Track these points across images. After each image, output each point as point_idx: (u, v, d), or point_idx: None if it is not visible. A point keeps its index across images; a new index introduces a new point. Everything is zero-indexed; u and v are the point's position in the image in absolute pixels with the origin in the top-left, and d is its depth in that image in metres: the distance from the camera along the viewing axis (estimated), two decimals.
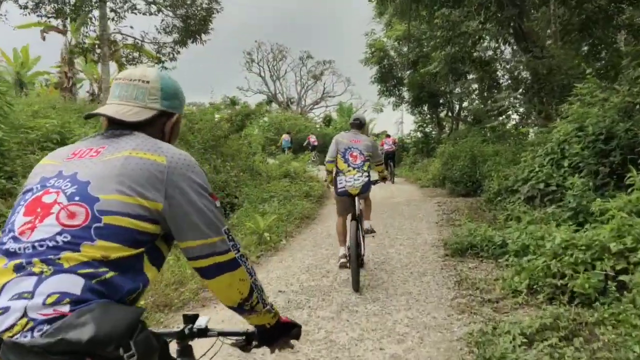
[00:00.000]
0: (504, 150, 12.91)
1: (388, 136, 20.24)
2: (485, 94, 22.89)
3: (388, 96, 23.92)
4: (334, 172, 5.73)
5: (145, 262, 1.20)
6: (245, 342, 1.54)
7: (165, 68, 15.12)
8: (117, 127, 1.36)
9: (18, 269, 1.09)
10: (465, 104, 25.16)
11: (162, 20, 13.90)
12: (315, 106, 47.65)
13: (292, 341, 1.60)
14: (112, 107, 1.39)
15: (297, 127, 32.53)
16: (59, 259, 1.09)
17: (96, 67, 17.20)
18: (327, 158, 5.89)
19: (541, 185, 7.36)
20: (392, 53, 23.29)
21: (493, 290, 5.07)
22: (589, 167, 6.56)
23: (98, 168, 1.23)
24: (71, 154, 1.31)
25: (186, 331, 1.49)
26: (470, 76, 20.26)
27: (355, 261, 5.19)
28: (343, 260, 5.61)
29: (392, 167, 17.32)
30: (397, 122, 27.23)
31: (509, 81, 19.84)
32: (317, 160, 20.73)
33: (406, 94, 24.08)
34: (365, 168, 5.60)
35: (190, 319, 1.53)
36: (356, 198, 5.57)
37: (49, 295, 1.04)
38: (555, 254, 4.80)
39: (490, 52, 16.92)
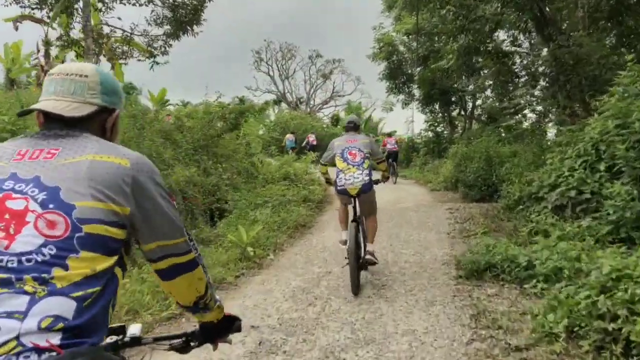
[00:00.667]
0: (523, 151, 11.75)
1: (390, 135, 19.58)
2: (501, 91, 21.78)
3: (397, 94, 22.75)
4: (333, 173, 5.70)
5: (117, 271, 1.19)
6: (184, 343, 1.50)
7: (157, 63, 14.16)
8: (57, 125, 1.30)
9: (5, 283, 1.05)
10: (478, 102, 23.95)
11: (152, 10, 12.93)
12: (325, 106, 46.69)
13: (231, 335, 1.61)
14: (49, 103, 1.31)
15: (303, 126, 31.52)
16: (52, 278, 1.07)
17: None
18: (321, 160, 6.12)
19: (572, 193, 6.23)
20: (401, 48, 22.13)
21: (520, 331, 3.96)
22: (635, 172, 5.41)
23: (63, 173, 1.19)
24: (17, 154, 1.24)
25: (119, 342, 1.41)
26: (485, 71, 19.06)
27: (355, 263, 5.01)
28: (343, 246, 5.52)
29: (394, 167, 16.84)
30: (407, 121, 26.07)
31: (526, 77, 18.70)
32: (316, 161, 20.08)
33: (416, 92, 22.90)
34: (365, 166, 5.39)
35: (117, 331, 1.43)
36: (356, 199, 5.42)
37: (42, 319, 1.02)
38: (604, 287, 3.69)
39: (507, 44, 15.69)
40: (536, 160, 10.15)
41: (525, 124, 21.75)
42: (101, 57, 15.13)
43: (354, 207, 5.53)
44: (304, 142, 24.45)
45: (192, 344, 1.51)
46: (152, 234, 1.26)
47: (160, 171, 1.35)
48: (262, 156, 16.68)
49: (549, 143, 13.00)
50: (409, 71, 22.85)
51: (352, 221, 5.41)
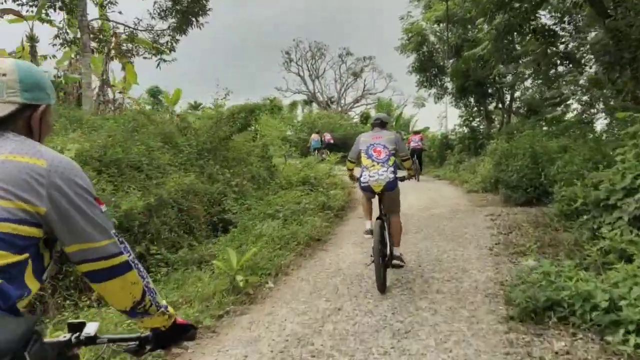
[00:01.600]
0: (576, 145, 10.13)
1: (416, 133, 18.56)
2: (543, 80, 20.03)
3: (428, 87, 21.13)
4: (358, 171, 5.70)
5: (28, 269, 1.20)
6: (138, 347, 1.51)
7: (164, 60, 13.09)
8: None
9: None
10: (517, 93, 22.12)
11: (155, 2, 11.84)
12: (356, 104, 45.63)
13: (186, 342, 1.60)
14: None
15: (330, 125, 30.28)
16: None
17: (98, 61, 15.44)
18: (348, 157, 6.03)
19: None
20: (431, 38, 20.53)
21: None
22: None
23: None
24: None
25: (73, 340, 1.40)
26: (524, 60, 17.32)
27: (380, 262, 4.97)
28: (368, 235, 5.57)
29: (417, 164, 16.19)
30: (439, 116, 24.37)
31: (571, 64, 16.89)
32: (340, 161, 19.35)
33: (449, 85, 21.26)
34: (390, 163, 5.35)
35: (77, 327, 1.43)
36: (381, 197, 5.45)
37: None
38: None
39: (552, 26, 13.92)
40: (594, 156, 8.55)
41: (569, 116, 19.98)
42: (110, 57, 14.22)
43: (379, 204, 5.54)
44: (312, 141, 23.42)
45: (146, 347, 1.51)
46: (71, 236, 1.26)
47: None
48: (279, 159, 15.46)
49: (605, 136, 11.35)
50: (441, 63, 21.24)
51: (378, 218, 5.38)
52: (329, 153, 22.11)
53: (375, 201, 5.64)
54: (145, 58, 12.88)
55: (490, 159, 12.76)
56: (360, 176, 5.45)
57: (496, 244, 6.91)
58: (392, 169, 5.31)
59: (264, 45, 66.44)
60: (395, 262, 5.40)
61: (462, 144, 20.03)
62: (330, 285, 5.53)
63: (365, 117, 36.44)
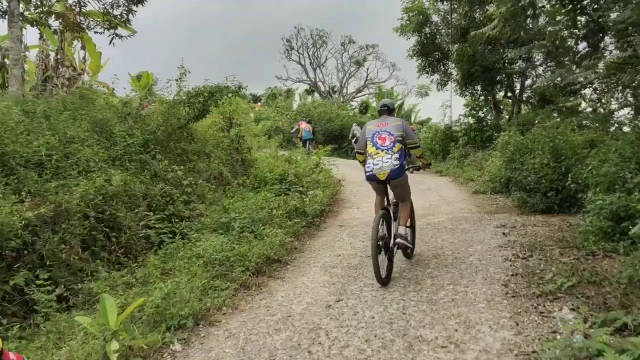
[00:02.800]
0: (607, 140, 8.23)
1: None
2: (559, 64, 18.11)
3: (430, 73, 19.11)
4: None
5: None
6: None
7: (119, 36, 11.18)
8: None
9: None
10: (527, 82, 20.12)
11: None
12: (358, 94, 43.93)
13: None
14: None
15: (327, 115, 28.41)
16: None
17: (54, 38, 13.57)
18: (357, 149, 5.75)
19: None
20: (435, 18, 18.51)
21: None
22: None
23: None
24: None
25: None
26: (540, 42, 15.32)
27: (375, 253, 4.72)
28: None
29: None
30: (443, 105, 22.33)
31: (590, 48, 14.90)
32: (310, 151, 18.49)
33: (454, 71, 19.26)
34: (395, 150, 5.10)
35: None
36: (388, 186, 5.27)
37: None
38: None
39: None
40: (637, 153, 6.64)
41: (584, 105, 18.02)
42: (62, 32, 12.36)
43: (387, 195, 5.44)
44: (294, 130, 22.57)
45: None
46: None
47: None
48: (263, 153, 13.61)
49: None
50: (445, 47, 19.24)
51: (382, 208, 5.27)
52: (317, 145, 21.32)
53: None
54: (96, 32, 10.99)
55: (501, 154, 10.85)
56: (365, 166, 5.22)
57: (513, 274, 5.02)
58: (397, 155, 5.06)
59: (266, 34, 64.70)
60: (399, 241, 5.10)
61: (467, 136, 18.06)
62: (266, 349, 3.68)
63: (364, 107, 34.53)
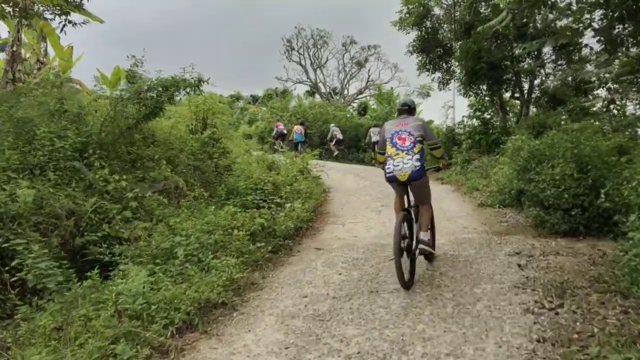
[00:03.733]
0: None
1: (376, 126, 17.53)
2: (565, 62, 16.88)
3: (431, 71, 17.61)
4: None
5: None
6: None
7: (72, 23, 9.74)
8: None
9: None
10: (536, 81, 18.62)
11: None
12: (360, 96, 42.76)
13: None
14: None
15: (323, 116, 26.96)
16: None
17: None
18: (377, 149, 5.62)
19: None
20: (436, 10, 17.04)
21: None
22: None
23: None
24: None
25: None
26: (552, 36, 13.83)
27: (398, 256, 4.61)
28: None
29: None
30: (445, 106, 20.74)
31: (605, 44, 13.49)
32: (284, 151, 17.86)
33: (457, 69, 17.78)
34: (416, 150, 5.03)
35: None
36: (409, 188, 5.22)
37: None
38: None
39: None
40: None
41: (599, 106, 16.54)
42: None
43: (407, 196, 5.34)
44: (274, 132, 22.26)
45: None
46: None
47: None
48: (242, 155, 12.16)
49: None
50: (447, 44, 17.76)
51: (402, 210, 5.20)
52: (282, 145, 20.59)
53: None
54: (45, 19, 9.54)
55: (511, 161, 9.33)
56: (385, 167, 5.17)
57: (539, 340, 3.54)
58: (417, 156, 5.01)
59: (270, 35, 63.72)
60: (421, 247, 5.05)
61: (472, 140, 16.52)
62: None
63: (363, 108, 33.04)
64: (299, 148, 18.65)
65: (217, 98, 11.69)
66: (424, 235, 5.11)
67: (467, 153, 16.07)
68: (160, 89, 7.48)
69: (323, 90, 43.25)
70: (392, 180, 5.13)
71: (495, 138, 15.98)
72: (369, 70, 42.95)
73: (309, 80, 42.50)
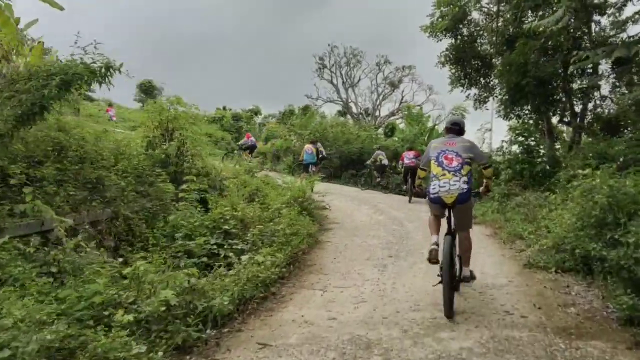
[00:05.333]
0: None
1: (410, 149, 16.13)
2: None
3: (467, 86, 14.87)
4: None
5: None
6: None
7: None
8: None
9: None
10: (590, 104, 15.66)
11: None
12: (391, 117, 40.67)
13: None
14: None
15: (345, 136, 24.49)
16: None
17: None
18: (420, 164, 5.58)
19: None
20: (475, 15, 14.37)
21: None
22: None
23: None
24: None
25: None
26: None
27: (449, 283, 4.52)
28: (434, 247, 4.81)
29: (409, 185, 14.67)
30: (481, 128, 17.87)
31: None
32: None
33: (497, 85, 15.03)
34: (464, 172, 4.88)
35: None
36: (452, 211, 4.97)
37: None
38: None
39: None
40: None
41: None
42: None
43: (448, 219, 5.04)
44: (242, 142, 21.98)
45: None
46: None
47: None
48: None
49: None
50: (487, 56, 15.02)
51: (447, 234, 4.88)
52: (250, 156, 19.80)
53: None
54: None
55: (578, 206, 6.45)
56: (429, 187, 4.98)
57: None
58: (465, 178, 4.84)
59: (303, 52, 63.42)
60: (465, 275, 5.04)
61: (512, 170, 13.64)
62: None
63: (390, 129, 30.41)
64: (310, 170, 16.10)
65: (184, 104, 9.27)
66: (467, 272, 5.07)
67: (505, 186, 13.19)
68: (40, 80, 5.04)
69: (354, 110, 42.13)
70: (436, 201, 4.91)
71: (542, 169, 13.14)
72: (402, 92, 41.66)
73: (339, 99, 41.51)
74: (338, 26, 61.27)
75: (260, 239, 6.69)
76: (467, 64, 14.57)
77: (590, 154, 11.52)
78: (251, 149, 21.27)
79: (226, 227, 6.68)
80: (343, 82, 41.46)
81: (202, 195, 7.91)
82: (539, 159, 13.58)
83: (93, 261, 4.78)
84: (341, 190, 17.35)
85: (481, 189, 5.57)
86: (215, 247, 6.32)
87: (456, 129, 5.27)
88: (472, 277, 5.20)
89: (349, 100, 41.90)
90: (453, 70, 14.72)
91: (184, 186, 7.40)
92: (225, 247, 6.35)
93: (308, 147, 16.51)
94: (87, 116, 11.82)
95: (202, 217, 6.83)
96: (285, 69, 62.62)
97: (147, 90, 32.01)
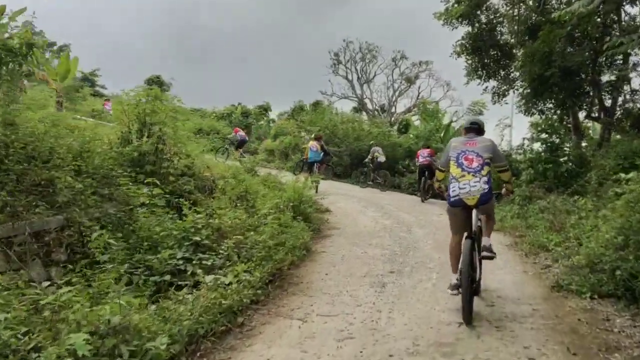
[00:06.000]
0: None
1: (426, 147, 15.16)
2: None
3: (484, 78, 13.68)
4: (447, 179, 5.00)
5: None
6: None
7: None
8: None
9: None
10: (620, 98, 14.36)
11: None
12: (408, 114, 39.51)
13: None
14: None
15: (355, 132, 23.37)
16: None
17: None
18: (439, 164, 5.40)
19: None
20: (494, 0, 13.16)
21: None
22: None
23: None
24: None
25: None
26: None
27: (468, 287, 4.35)
28: (454, 291, 4.63)
29: (424, 183, 14.03)
30: (499, 123, 16.49)
31: None
32: (245, 157, 17.09)
33: (519, 78, 13.81)
34: (484, 173, 4.69)
35: None
36: (473, 212, 4.73)
37: None
38: None
39: None
40: None
41: None
42: None
43: (470, 222, 4.74)
44: (231, 136, 20.68)
45: None
46: None
47: None
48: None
49: None
50: (507, 45, 13.81)
51: (467, 237, 4.66)
52: (240, 152, 19.08)
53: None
54: None
55: (621, 218, 5.31)
56: (449, 190, 4.76)
57: None
58: (485, 179, 4.66)
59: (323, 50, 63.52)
60: (484, 254, 4.82)
61: (534, 170, 12.48)
62: None
63: (404, 126, 29.21)
64: (314, 169, 15.06)
65: (165, 97, 8.30)
66: (486, 241, 4.91)
67: (527, 187, 12.00)
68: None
69: (370, 106, 40.86)
70: (457, 204, 4.69)
71: (568, 170, 11.94)
72: (419, 87, 40.08)
73: (354, 95, 40.34)
74: (360, 26, 60.55)
75: (237, 253, 5.68)
76: (485, 54, 13.38)
77: (622, 154, 10.33)
78: (240, 144, 20.02)
79: (197, 237, 5.68)
80: (358, 77, 40.48)
81: (178, 199, 6.93)
82: (564, 158, 12.37)
83: (10, 286, 3.82)
84: (349, 190, 16.32)
85: (503, 191, 5.34)
86: (183, 262, 5.33)
87: (475, 128, 5.09)
88: (491, 251, 4.86)
89: (364, 97, 40.84)
90: (469, 61, 13.55)
91: (144, 190, 6.39)
92: (194, 262, 5.36)
93: (313, 144, 15.42)
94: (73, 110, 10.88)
95: (172, 226, 5.84)
96: (307, 67, 62.19)
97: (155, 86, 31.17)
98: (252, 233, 6.22)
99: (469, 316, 4.35)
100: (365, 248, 7.72)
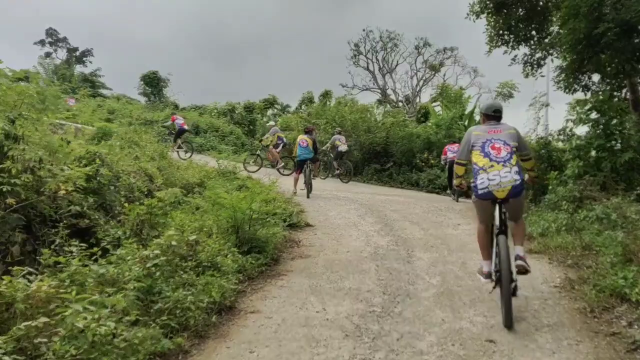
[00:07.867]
0: None
1: (454, 142, 13.88)
2: None
3: (513, 45, 10.52)
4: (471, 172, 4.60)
5: None
6: None
7: None
8: None
9: None
10: None
11: None
12: (433, 104, 36.91)
13: None
14: None
15: (365, 124, 20.59)
16: None
17: None
18: (457, 158, 4.89)
19: None
20: None
21: None
22: None
23: None
24: None
25: None
26: None
27: (508, 287, 3.96)
28: (487, 279, 4.46)
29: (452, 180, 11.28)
30: (534, 102, 12.54)
31: None
32: (183, 149, 16.89)
33: (557, 42, 10.64)
34: (513, 162, 4.32)
35: None
36: (502, 205, 4.33)
37: None
38: None
39: None
40: None
41: None
42: None
43: (500, 216, 4.32)
44: (168, 123, 18.82)
45: None
46: None
47: None
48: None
49: None
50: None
51: (499, 234, 4.27)
52: (179, 143, 17.37)
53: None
54: None
55: None
56: (476, 182, 4.36)
57: None
58: (516, 168, 4.29)
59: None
60: (519, 263, 4.24)
61: (584, 160, 9.31)
62: None
63: (423, 114, 26.13)
64: (305, 169, 12.26)
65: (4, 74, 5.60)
66: (520, 251, 4.39)
67: (574, 184, 8.87)
68: None
69: (393, 97, 39.27)
70: (486, 197, 4.32)
71: (632, 159, 8.82)
72: (444, 75, 38.00)
73: (377, 86, 38.68)
74: (385, 21, 59.06)
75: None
76: (512, 12, 10.23)
77: None
78: (179, 133, 17.60)
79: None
80: (380, 68, 38.71)
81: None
82: (625, 144, 9.18)
83: None
84: (351, 191, 13.54)
85: (526, 177, 4.66)
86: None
87: (497, 115, 4.64)
88: (526, 262, 4.23)
89: (387, 87, 39.09)
90: (492, 23, 10.42)
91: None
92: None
93: (301, 138, 12.58)
94: None
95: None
96: (331, 64, 60.93)
97: (152, 83, 29.03)
98: (96, 296, 3.40)
99: (509, 320, 3.92)
100: (328, 300, 4.86)
